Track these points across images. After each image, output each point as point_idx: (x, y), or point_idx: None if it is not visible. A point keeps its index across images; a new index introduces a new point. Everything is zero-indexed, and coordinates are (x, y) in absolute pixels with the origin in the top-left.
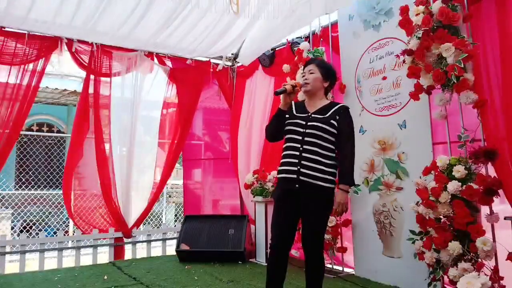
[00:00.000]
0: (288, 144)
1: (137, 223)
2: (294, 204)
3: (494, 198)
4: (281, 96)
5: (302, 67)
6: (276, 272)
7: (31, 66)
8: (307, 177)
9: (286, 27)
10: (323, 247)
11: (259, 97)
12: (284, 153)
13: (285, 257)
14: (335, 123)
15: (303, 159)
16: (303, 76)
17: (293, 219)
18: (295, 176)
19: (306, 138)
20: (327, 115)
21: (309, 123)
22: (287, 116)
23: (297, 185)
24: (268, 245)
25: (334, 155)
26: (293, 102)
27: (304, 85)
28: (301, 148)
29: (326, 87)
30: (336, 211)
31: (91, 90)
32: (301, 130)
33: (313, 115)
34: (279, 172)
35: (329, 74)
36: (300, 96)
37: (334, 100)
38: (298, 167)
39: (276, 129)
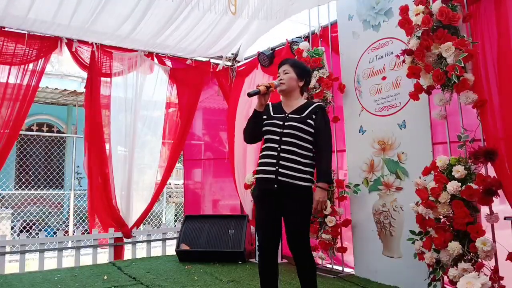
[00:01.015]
0: (266, 144)
1: (137, 223)
2: (274, 203)
3: (494, 198)
4: (257, 97)
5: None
6: (265, 274)
7: (31, 66)
8: (286, 177)
9: (282, 14)
10: (309, 245)
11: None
12: (262, 153)
13: (273, 256)
14: (312, 122)
15: (281, 159)
16: (278, 76)
17: (275, 219)
18: (273, 176)
19: (283, 138)
20: (304, 114)
21: (286, 123)
22: (264, 117)
23: (276, 185)
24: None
25: (312, 154)
26: (270, 104)
27: (279, 85)
28: (279, 148)
29: (302, 86)
30: (316, 209)
31: (92, 90)
32: (279, 130)
33: (290, 115)
34: (258, 172)
35: (304, 73)
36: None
37: (334, 99)
38: (277, 167)
39: (253, 131)
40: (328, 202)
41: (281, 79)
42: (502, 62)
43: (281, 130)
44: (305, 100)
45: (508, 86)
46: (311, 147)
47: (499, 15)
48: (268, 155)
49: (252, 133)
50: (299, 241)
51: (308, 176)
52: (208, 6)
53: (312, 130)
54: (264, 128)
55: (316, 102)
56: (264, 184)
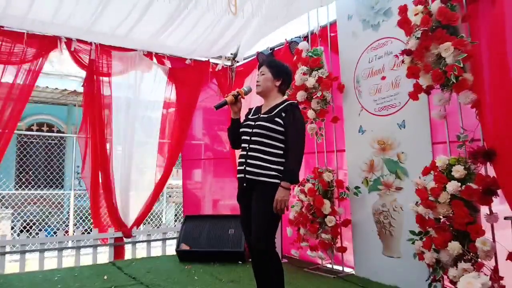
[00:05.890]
0: (241, 145)
1: (137, 223)
2: (250, 202)
3: (494, 198)
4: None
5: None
6: (257, 273)
7: (29, 65)
8: (252, 174)
9: (283, 16)
10: (271, 247)
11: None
12: (239, 154)
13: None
14: (280, 120)
15: (249, 157)
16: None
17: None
18: (243, 175)
19: (253, 138)
20: (273, 113)
21: (256, 123)
22: (242, 121)
23: (245, 184)
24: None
25: (283, 152)
26: (254, 107)
27: (250, 90)
28: (247, 148)
29: (279, 85)
30: (275, 208)
31: (91, 89)
32: (250, 130)
33: (261, 115)
34: (237, 173)
35: (280, 72)
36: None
37: (333, 99)
38: (245, 166)
39: (234, 137)
40: (328, 201)
41: (257, 81)
42: (500, 61)
43: (251, 130)
44: (283, 99)
45: (505, 85)
46: (281, 145)
47: (495, 14)
48: (240, 155)
49: (233, 140)
50: (259, 238)
51: (274, 173)
52: (207, 6)
53: (282, 129)
54: (241, 130)
55: (288, 101)
56: (239, 183)
